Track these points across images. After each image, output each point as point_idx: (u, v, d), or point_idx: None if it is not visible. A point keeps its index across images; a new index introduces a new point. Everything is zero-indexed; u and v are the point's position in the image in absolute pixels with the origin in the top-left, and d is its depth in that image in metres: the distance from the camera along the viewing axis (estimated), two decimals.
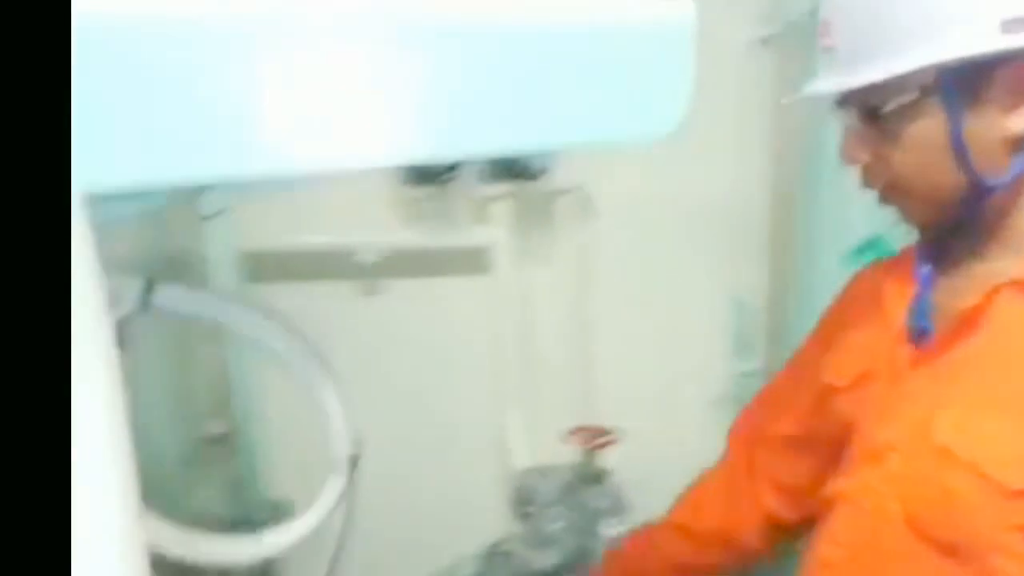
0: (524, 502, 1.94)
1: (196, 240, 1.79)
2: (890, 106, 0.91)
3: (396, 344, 2.27)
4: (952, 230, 0.97)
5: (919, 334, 0.99)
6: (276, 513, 1.82)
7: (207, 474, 1.80)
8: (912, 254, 1.04)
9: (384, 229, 2.17)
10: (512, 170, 1.97)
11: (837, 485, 1.05)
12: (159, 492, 1.39)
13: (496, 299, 2.21)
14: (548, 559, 1.87)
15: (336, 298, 2.29)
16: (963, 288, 0.95)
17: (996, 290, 0.92)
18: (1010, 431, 0.88)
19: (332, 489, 0.75)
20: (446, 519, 2.21)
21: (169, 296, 0.77)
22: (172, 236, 1.68)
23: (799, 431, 1.18)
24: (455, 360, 2.16)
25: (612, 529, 1.77)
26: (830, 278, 1.25)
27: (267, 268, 2.20)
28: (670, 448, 1.82)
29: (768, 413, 1.25)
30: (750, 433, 1.27)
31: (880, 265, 1.13)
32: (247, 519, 1.77)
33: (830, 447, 1.08)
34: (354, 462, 0.74)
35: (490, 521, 1.86)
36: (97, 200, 0.43)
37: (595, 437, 1.89)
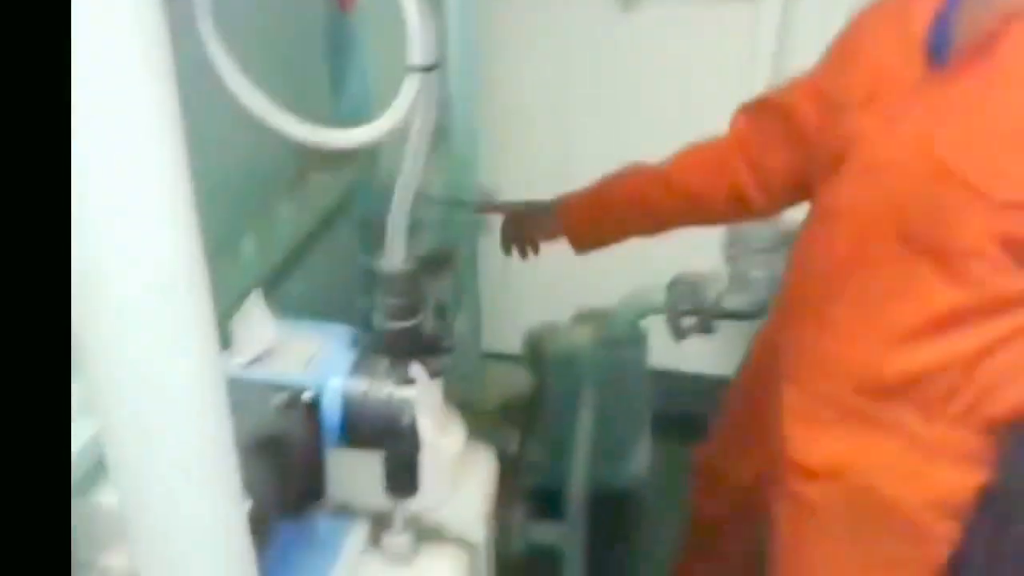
0: (734, 243, 1.88)
1: None
2: None
3: (647, 66, 2.22)
4: None
5: (936, 54, 1.04)
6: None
7: None
8: None
9: None
10: None
11: (835, 197, 1.15)
12: None
13: (756, 31, 2.07)
14: (738, 302, 1.82)
15: (591, 9, 2.25)
16: (983, 17, 1.00)
17: (1011, 19, 0.97)
18: (1005, 151, 0.98)
19: (408, 89, 0.75)
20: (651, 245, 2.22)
21: None
22: None
23: (793, 131, 1.25)
24: (704, 88, 2.09)
25: None
26: None
27: None
28: None
29: (773, 111, 1.30)
30: (751, 117, 1.35)
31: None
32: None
33: (813, 151, 1.20)
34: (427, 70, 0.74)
35: (693, 256, 1.83)
36: None
37: None
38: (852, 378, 1.16)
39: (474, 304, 1.93)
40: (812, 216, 1.23)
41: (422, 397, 0.88)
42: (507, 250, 1.57)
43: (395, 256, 0.88)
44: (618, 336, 2.04)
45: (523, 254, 1.57)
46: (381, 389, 0.88)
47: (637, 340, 2.05)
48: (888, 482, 1.15)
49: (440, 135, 1.90)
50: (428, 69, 0.78)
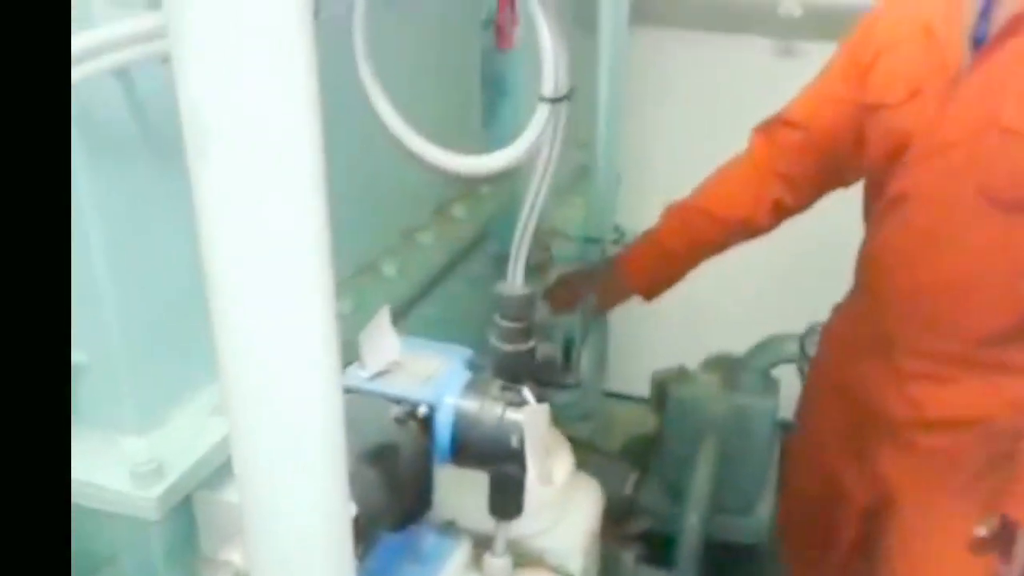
0: None
1: None
2: None
3: None
4: None
5: (979, 39, 1.19)
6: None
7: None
8: None
9: None
10: None
11: (901, 185, 1.27)
12: None
13: None
14: None
15: (747, 53, 2.23)
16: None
17: None
18: None
19: (539, 119, 0.79)
20: (780, 291, 2.16)
21: None
22: None
23: (812, 139, 1.42)
24: None
25: None
26: None
27: (664, 11, 2.20)
28: None
29: (790, 127, 1.45)
30: (769, 136, 1.48)
31: None
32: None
33: (839, 152, 1.39)
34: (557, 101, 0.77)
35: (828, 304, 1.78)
36: None
37: None
38: (971, 331, 1.28)
39: (601, 342, 1.94)
40: (879, 209, 1.34)
41: (531, 420, 0.90)
42: (557, 312, 1.67)
43: (515, 279, 0.91)
44: (747, 385, 2.00)
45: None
46: (492, 410, 0.91)
47: (767, 390, 2.00)
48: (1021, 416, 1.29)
49: (582, 174, 1.94)
50: (558, 100, 0.81)
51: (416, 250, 1.34)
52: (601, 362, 1.90)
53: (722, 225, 1.52)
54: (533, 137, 0.81)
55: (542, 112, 0.81)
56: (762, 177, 1.48)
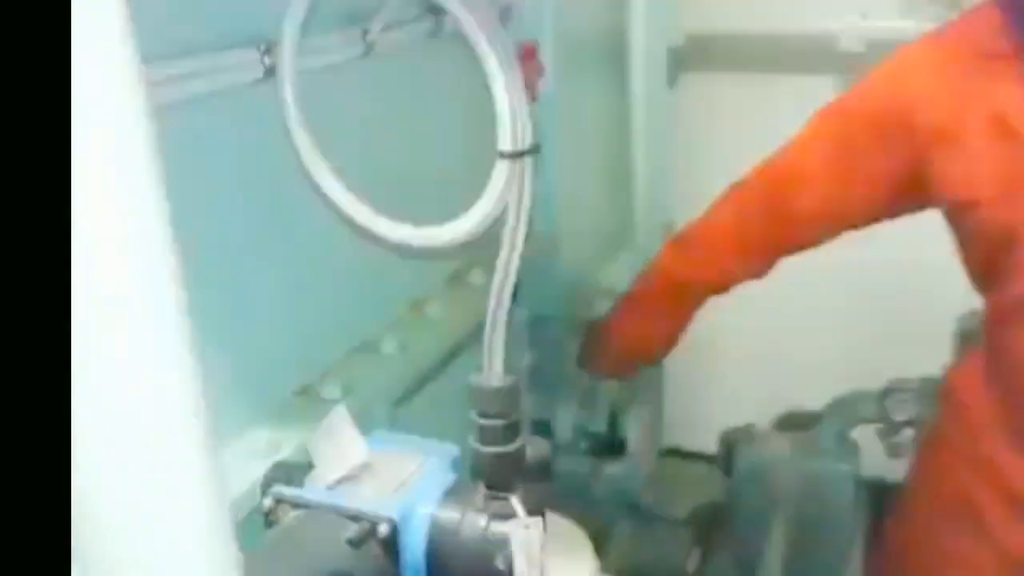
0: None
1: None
2: None
3: None
4: None
5: None
6: None
7: None
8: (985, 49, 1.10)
9: (877, 11, 1.91)
10: None
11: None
12: None
13: None
14: None
15: (807, 93, 2.07)
16: None
17: None
18: None
19: (497, 178, 0.67)
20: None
21: None
22: None
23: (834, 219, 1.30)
24: None
25: None
26: None
27: (714, 54, 2.08)
28: None
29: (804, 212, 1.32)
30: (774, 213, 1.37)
31: (950, 66, 1.14)
32: None
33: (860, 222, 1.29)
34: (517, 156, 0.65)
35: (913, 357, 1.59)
36: None
37: None
38: None
39: (654, 404, 1.79)
40: (1005, 305, 1.17)
41: (519, 536, 0.77)
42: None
43: (491, 368, 0.78)
44: (823, 447, 1.80)
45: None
46: (475, 522, 0.78)
47: (846, 453, 1.80)
48: None
49: (627, 231, 1.82)
50: (518, 155, 0.68)
51: (423, 324, 1.22)
52: (656, 421, 1.74)
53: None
54: (492, 201, 0.69)
55: (500, 170, 0.68)
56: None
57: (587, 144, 1.66)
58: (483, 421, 0.78)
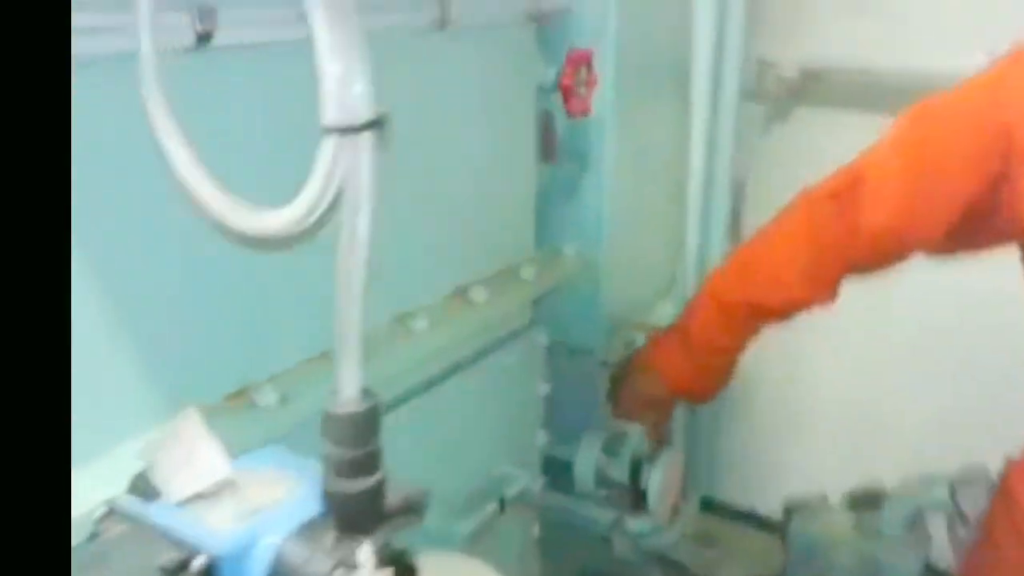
0: None
1: None
2: None
3: None
4: None
5: None
6: None
7: None
8: None
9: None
10: None
11: None
12: None
13: None
14: None
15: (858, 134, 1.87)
16: None
17: None
18: None
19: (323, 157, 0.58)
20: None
21: None
22: None
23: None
24: None
25: None
26: None
27: (828, 89, 1.89)
28: None
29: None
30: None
31: None
32: None
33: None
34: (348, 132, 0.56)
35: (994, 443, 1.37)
36: None
37: None
38: None
39: (687, 449, 1.65)
40: None
41: None
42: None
43: (343, 391, 0.68)
44: (887, 530, 1.58)
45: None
46: (319, 567, 0.68)
47: (914, 540, 1.58)
48: None
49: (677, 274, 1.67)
50: (350, 131, 0.58)
51: (418, 341, 1.13)
52: (685, 481, 1.57)
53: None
54: (319, 184, 0.59)
55: (326, 147, 0.59)
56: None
57: (644, 170, 1.52)
58: (335, 450, 0.69)
